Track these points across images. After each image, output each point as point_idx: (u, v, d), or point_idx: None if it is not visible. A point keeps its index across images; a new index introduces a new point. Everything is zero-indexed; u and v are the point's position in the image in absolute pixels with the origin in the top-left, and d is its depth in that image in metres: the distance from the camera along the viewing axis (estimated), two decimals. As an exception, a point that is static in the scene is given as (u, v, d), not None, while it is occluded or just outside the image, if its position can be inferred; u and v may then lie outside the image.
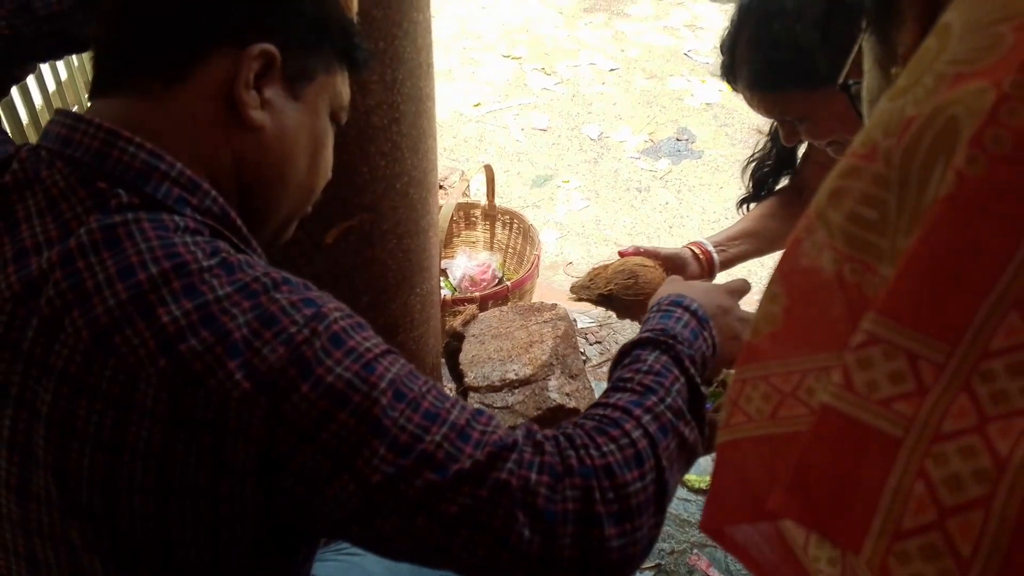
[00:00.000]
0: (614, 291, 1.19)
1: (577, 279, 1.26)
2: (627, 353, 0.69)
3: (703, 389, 0.67)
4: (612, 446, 0.56)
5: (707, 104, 3.43)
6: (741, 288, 0.88)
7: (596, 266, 1.26)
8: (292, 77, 0.61)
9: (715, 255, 1.30)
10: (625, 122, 3.32)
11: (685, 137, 3.22)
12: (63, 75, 2.17)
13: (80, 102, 2.50)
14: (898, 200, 0.30)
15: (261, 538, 0.54)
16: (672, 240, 2.61)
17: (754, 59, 1.05)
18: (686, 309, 0.73)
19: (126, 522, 0.50)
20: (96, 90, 0.58)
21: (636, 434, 0.58)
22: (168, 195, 0.55)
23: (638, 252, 1.22)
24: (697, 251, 1.30)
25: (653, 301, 0.78)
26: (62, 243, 0.51)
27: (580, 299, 1.27)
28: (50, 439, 0.50)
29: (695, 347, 0.69)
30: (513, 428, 0.58)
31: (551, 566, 0.53)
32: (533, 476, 0.53)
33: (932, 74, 0.31)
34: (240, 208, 0.61)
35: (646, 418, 0.59)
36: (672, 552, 1.54)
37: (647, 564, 1.50)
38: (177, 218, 0.53)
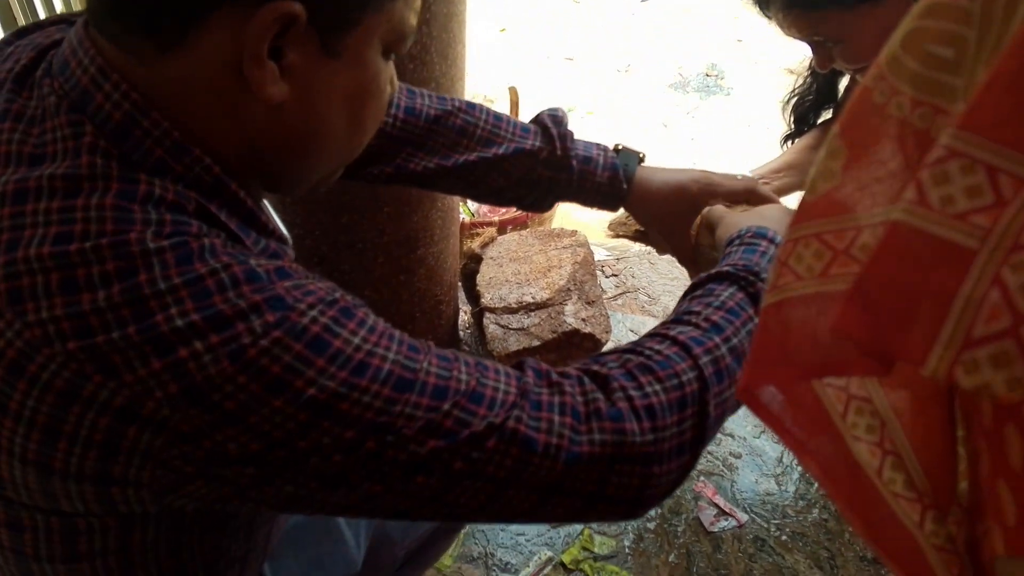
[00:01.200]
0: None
1: (614, 217, 1.24)
2: (700, 285, 0.64)
3: None
4: (657, 387, 0.53)
5: (739, 40, 3.33)
6: None
7: None
8: (326, 29, 0.49)
9: None
10: (654, 55, 3.23)
11: (715, 73, 3.13)
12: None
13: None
14: (979, 34, 0.29)
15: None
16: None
17: None
18: (771, 242, 0.67)
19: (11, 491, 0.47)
20: (93, 21, 0.50)
21: (689, 376, 0.54)
22: (147, 156, 0.48)
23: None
24: None
25: (730, 233, 0.72)
26: (21, 176, 0.46)
27: (618, 235, 1.26)
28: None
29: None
30: (521, 367, 0.55)
31: (564, 494, 0.52)
32: (555, 418, 0.51)
33: None
34: (261, 175, 0.55)
35: (704, 359, 0.55)
36: (678, 478, 1.56)
37: (653, 488, 1.53)
38: (156, 186, 0.47)
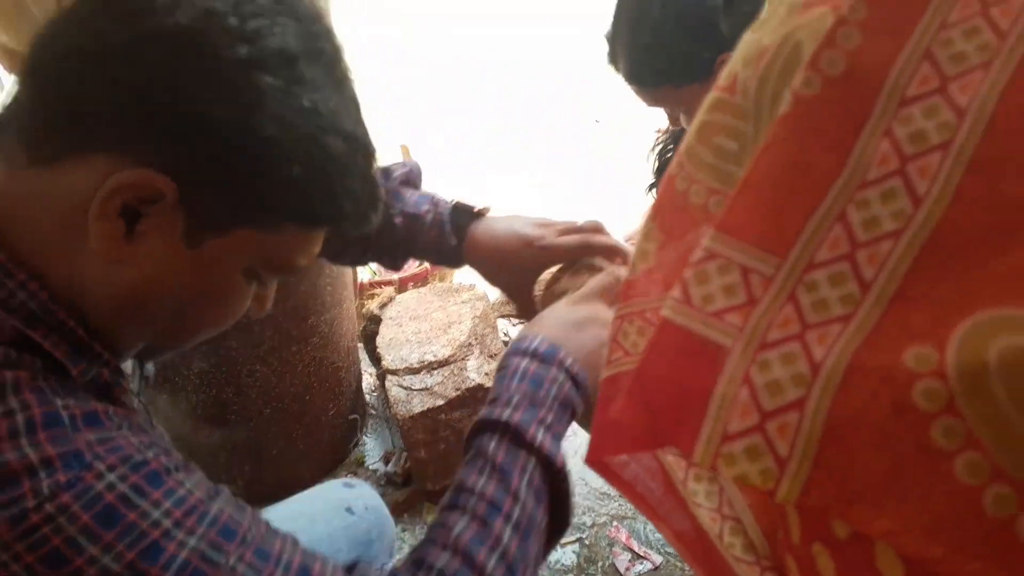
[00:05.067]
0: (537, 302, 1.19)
1: (497, 298, 1.25)
2: (470, 442, 0.59)
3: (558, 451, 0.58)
4: None
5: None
6: (608, 285, 0.72)
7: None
8: (193, 218, 0.47)
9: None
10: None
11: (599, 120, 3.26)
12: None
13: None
14: (754, 129, 0.31)
15: None
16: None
17: (628, 58, 1.11)
18: (524, 353, 0.62)
19: None
20: None
21: None
22: None
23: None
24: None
25: (524, 337, 0.65)
26: None
27: (503, 315, 1.26)
28: None
29: (540, 399, 0.59)
30: (352, 570, 0.51)
31: None
32: None
33: (786, 3, 0.31)
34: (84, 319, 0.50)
35: (491, 564, 0.51)
36: (593, 525, 1.55)
37: (568, 539, 1.52)
38: None
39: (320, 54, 0.49)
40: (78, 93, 0.45)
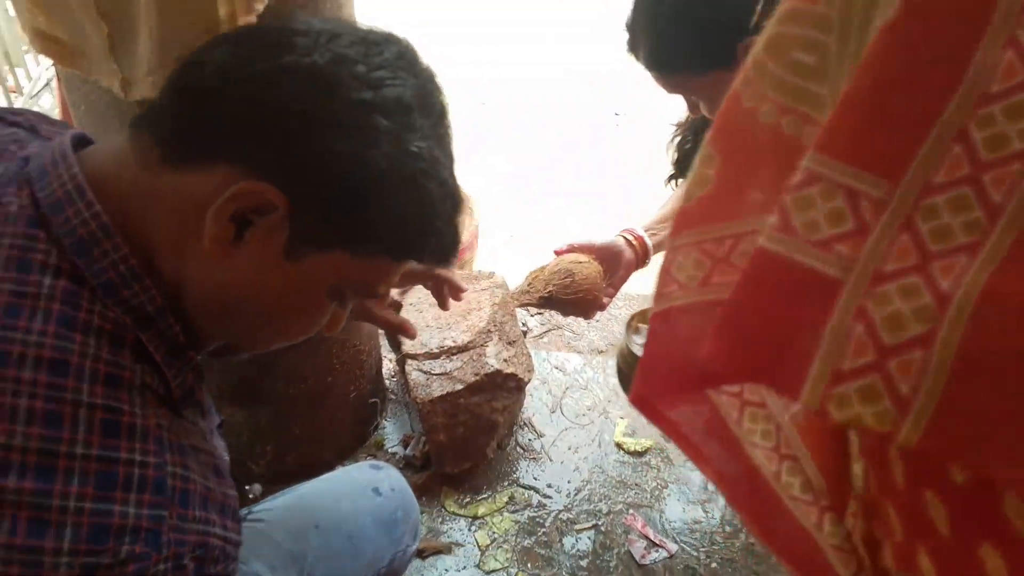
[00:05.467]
0: (553, 292, 1.21)
1: (516, 286, 1.27)
2: None
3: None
4: None
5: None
6: None
7: (533, 270, 1.27)
8: (298, 233, 0.52)
9: (647, 239, 1.33)
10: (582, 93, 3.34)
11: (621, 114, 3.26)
12: None
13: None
14: (839, 42, 0.29)
15: None
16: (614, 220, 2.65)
17: (648, 45, 1.10)
18: None
19: None
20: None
21: None
22: (99, 275, 0.49)
23: (572, 249, 1.23)
24: (630, 237, 1.32)
25: None
26: None
27: (522, 304, 1.28)
28: None
29: None
30: None
31: None
32: None
33: None
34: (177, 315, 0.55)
35: None
36: (609, 512, 1.56)
37: (584, 525, 1.52)
38: (95, 316, 0.48)
39: (431, 109, 0.55)
40: (217, 107, 0.50)
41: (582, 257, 1.19)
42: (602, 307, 1.18)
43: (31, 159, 0.53)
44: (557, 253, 1.23)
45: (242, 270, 0.53)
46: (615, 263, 1.28)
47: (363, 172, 0.51)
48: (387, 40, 0.55)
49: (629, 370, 0.86)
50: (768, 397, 0.39)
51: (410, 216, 0.54)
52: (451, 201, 0.57)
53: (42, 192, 0.50)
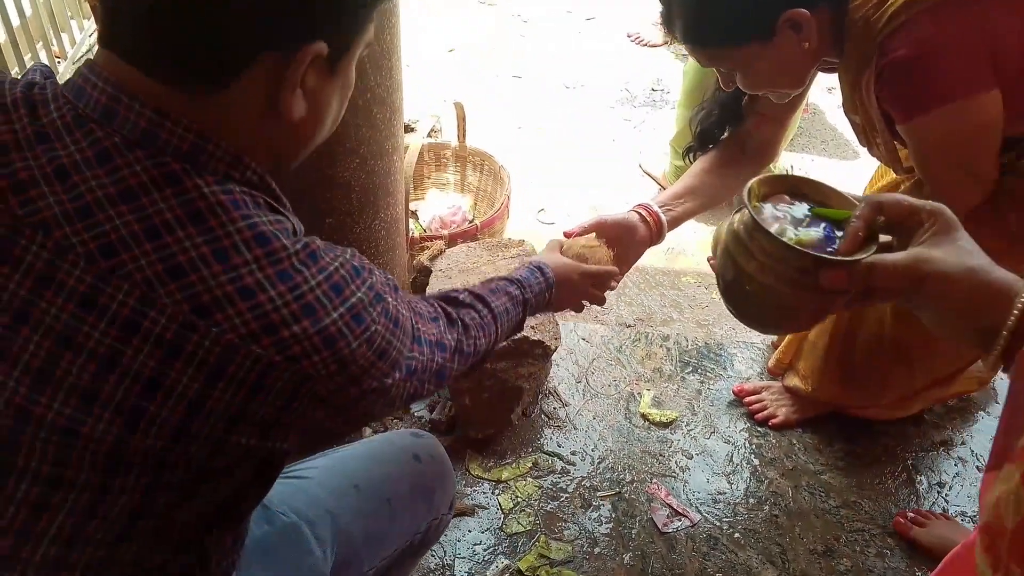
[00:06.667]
0: None
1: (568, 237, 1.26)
2: (499, 280, 0.98)
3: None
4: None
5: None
6: (601, 274, 1.13)
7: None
8: (334, 55, 0.62)
9: (662, 215, 1.31)
10: (601, 71, 3.29)
11: (660, 88, 3.20)
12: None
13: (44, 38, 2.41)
14: None
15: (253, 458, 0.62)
16: (640, 190, 2.62)
17: (685, 17, 1.08)
18: (542, 271, 1.03)
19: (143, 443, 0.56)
20: (130, 59, 0.57)
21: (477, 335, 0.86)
22: (215, 171, 0.59)
23: (584, 231, 1.22)
24: (644, 213, 1.30)
25: (534, 258, 1.07)
26: (131, 201, 0.55)
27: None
28: (133, 393, 0.55)
29: (538, 295, 1.01)
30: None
31: None
32: None
33: None
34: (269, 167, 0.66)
35: (479, 337, 0.87)
36: (632, 481, 1.57)
37: (607, 492, 1.53)
38: (250, 195, 0.59)
39: None
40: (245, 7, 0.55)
41: (593, 241, 1.18)
42: (611, 288, 1.18)
43: (92, 108, 0.57)
44: (567, 235, 1.22)
45: (317, 106, 0.64)
46: (628, 239, 1.27)
47: None
48: None
49: (744, 254, 0.70)
50: None
51: None
52: None
53: (124, 129, 0.56)
